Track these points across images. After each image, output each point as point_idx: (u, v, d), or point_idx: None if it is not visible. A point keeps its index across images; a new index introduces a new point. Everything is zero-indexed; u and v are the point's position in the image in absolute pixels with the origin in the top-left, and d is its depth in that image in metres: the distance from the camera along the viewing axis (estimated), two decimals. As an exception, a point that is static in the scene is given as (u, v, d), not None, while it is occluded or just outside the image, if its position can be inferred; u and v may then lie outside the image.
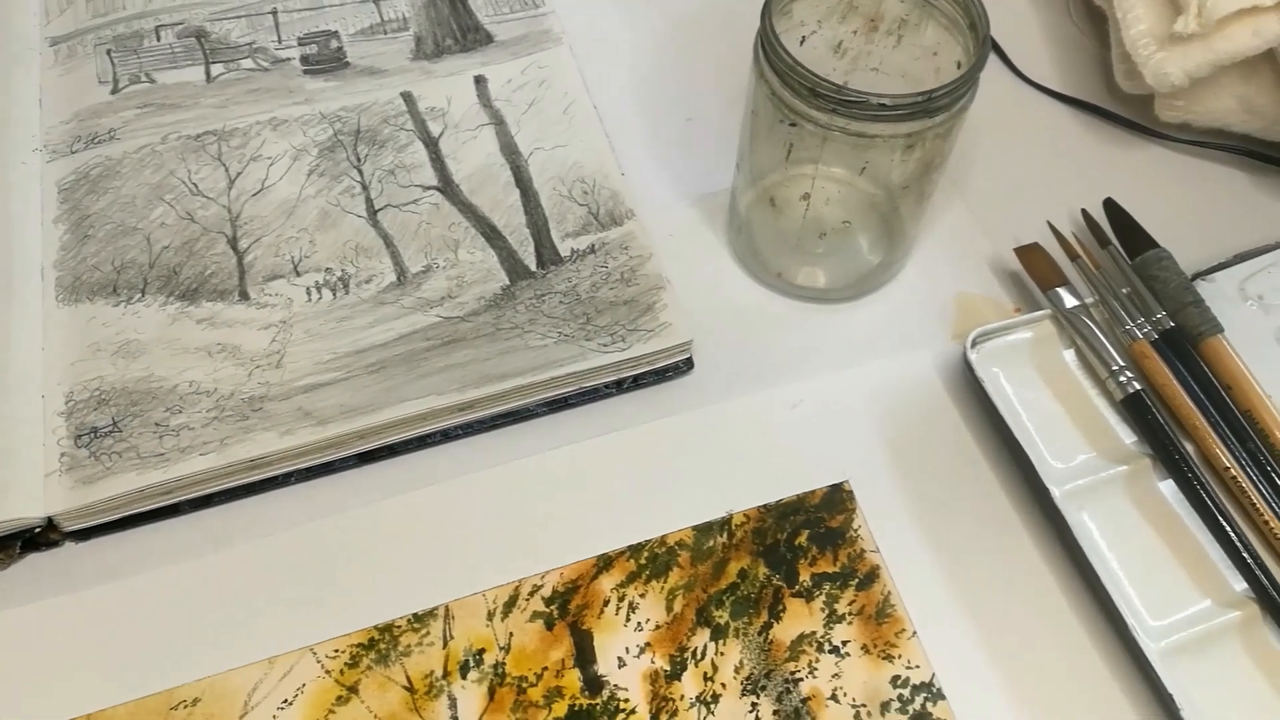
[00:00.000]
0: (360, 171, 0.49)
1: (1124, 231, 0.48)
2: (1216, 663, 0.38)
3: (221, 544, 0.41)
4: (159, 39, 0.53)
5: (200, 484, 0.40)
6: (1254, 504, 0.41)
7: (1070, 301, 0.45)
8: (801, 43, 0.43)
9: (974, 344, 0.44)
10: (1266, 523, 0.41)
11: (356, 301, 0.45)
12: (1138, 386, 0.43)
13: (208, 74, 0.52)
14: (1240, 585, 0.40)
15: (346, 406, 0.41)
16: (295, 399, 0.42)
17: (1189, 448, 0.43)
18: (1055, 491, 0.41)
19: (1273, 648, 0.39)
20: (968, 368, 0.43)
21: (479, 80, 0.52)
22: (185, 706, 0.37)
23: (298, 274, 0.45)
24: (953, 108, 0.38)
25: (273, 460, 0.41)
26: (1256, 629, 0.39)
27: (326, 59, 0.53)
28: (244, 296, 0.45)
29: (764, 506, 0.42)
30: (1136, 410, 0.43)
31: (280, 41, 0.54)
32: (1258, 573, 0.40)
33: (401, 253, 0.46)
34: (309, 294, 0.45)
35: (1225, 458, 0.42)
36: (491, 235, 0.47)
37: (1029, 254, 0.47)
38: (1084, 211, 0.49)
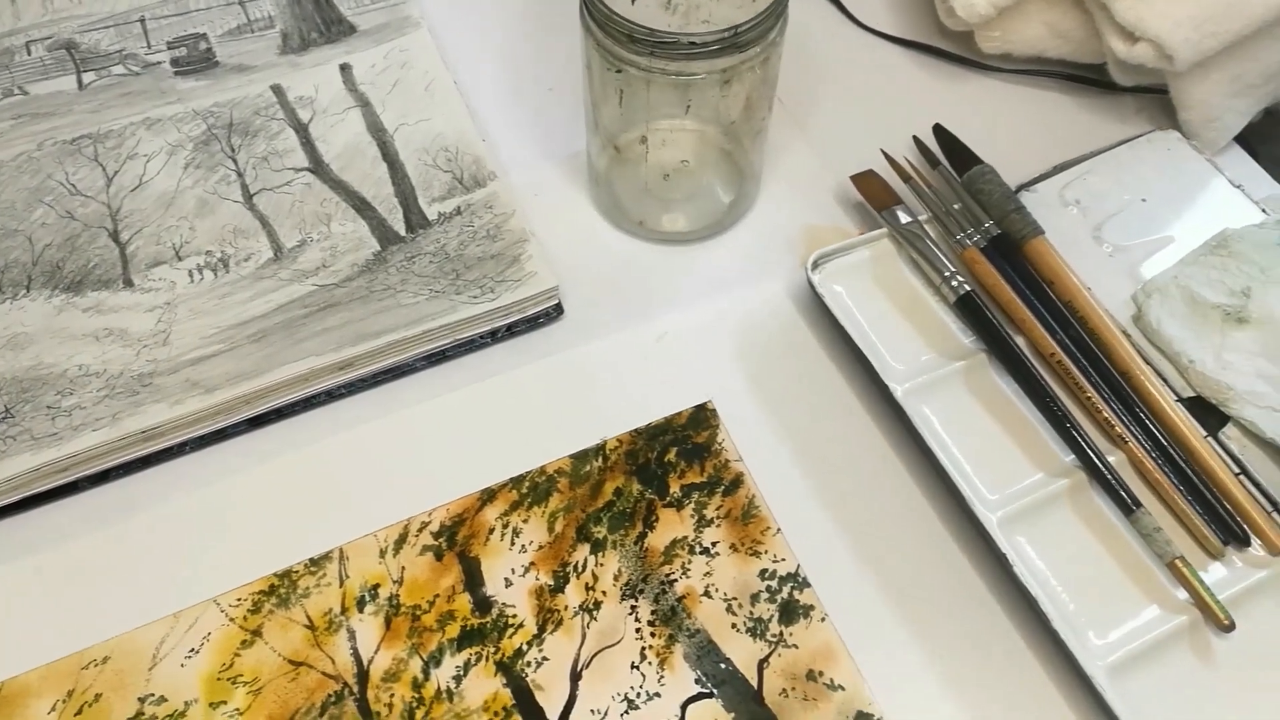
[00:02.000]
0: (235, 161, 0.51)
1: (952, 153, 0.52)
2: (1048, 526, 0.42)
3: (123, 514, 0.43)
4: (29, 54, 0.55)
5: (96, 459, 0.42)
6: (1077, 383, 0.45)
7: (904, 219, 0.49)
8: (633, 2, 0.46)
9: (815, 266, 0.48)
10: (1089, 398, 0.45)
11: (236, 279, 0.47)
12: (968, 288, 0.47)
13: (79, 82, 0.54)
14: (1068, 457, 0.44)
15: (232, 374, 0.44)
16: (183, 372, 0.44)
17: (1019, 340, 0.47)
18: (897, 389, 0.44)
19: (1098, 508, 0.43)
20: (811, 288, 0.47)
21: (344, 68, 0.55)
22: (95, 665, 0.39)
23: (179, 259, 0.48)
24: (761, 42, 0.41)
25: (165, 430, 0.43)
26: (1083, 493, 0.43)
27: (196, 60, 0.55)
28: (128, 284, 0.47)
29: (635, 431, 0.45)
30: (968, 310, 0.47)
31: (150, 47, 0.56)
32: (1083, 444, 0.43)
33: (277, 231, 0.49)
34: (191, 276, 0.47)
35: (1050, 344, 0.46)
36: (362, 207, 0.50)
37: (864, 180, 0.51)
38: (916, 138, 0.53)
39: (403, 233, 0.49)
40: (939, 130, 0.53)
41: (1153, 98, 0.56)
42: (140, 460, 0.44)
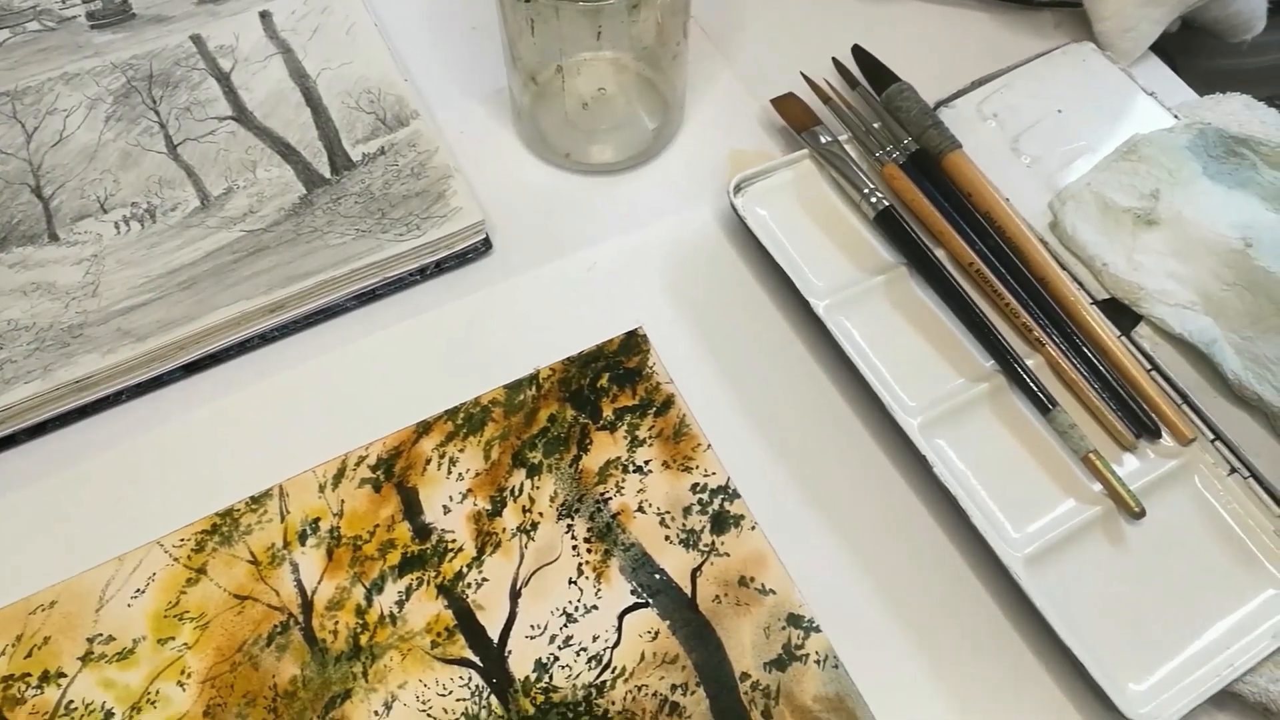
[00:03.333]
0: (157, 112, 0.51)
1: (871, 73, 0.53)
2: (969, 429, 0.44)
3: (62, 464, 0.43)
4: (-58, 13, 0.54)
5: (31, 411, 0.43)
6: (996, 290, 0.46)
7: (824, 139, 0.50)
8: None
9: (737, 189, 0.48)
10: (1008, 304, 0.46)
11: (164, 228, 0.47)
12: (887, 203, 0.48)
13: (-6, 40, 0.53)
14: (988, 363, 0.45)
15: (163, 321, 0.44)
16: (113, 321, 0.44)
17: (939, 252, 0.48)
18: (819, 305, 0.45)
19: (1016, 410, 0.44)
20: (735, 212, 0.48)
21: (264, 15, 0.55)
22: (42, 610, 0.40)
23: (105, 211, 0.48)
24: (666, -35, 0.42)
25: (99, 380, 0.43)
26: (1002, 396, 0.44)
27: (112, 13, 0.55)
28: (54, 238, 0.47)
29: (567, 359, 0.46)
30: (888, 224, 0.48)
31: (64, 2, 0.55)
32: (1002, 348, 0.45)
33: (203, 179, 0.49)
34: (117, 228, 0.47)
35: (969, 254, 0.47)
36: (287, 152, 0.50)
37: (783, 103, 0.51)
38: (835, 60, 0.54)
39: (328, 175, 0.49)
40: (858, 51, 0.53)
41: (1070, 12, 0.57)
42: (77, 411, 0.44)
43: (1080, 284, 0.47)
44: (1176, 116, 0.52)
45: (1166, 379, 0.44)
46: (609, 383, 0.46)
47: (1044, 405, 0.43)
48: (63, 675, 0.39)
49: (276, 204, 0.48)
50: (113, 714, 0.38)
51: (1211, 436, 0.43)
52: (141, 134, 0.50)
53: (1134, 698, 0.38)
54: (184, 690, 0.39)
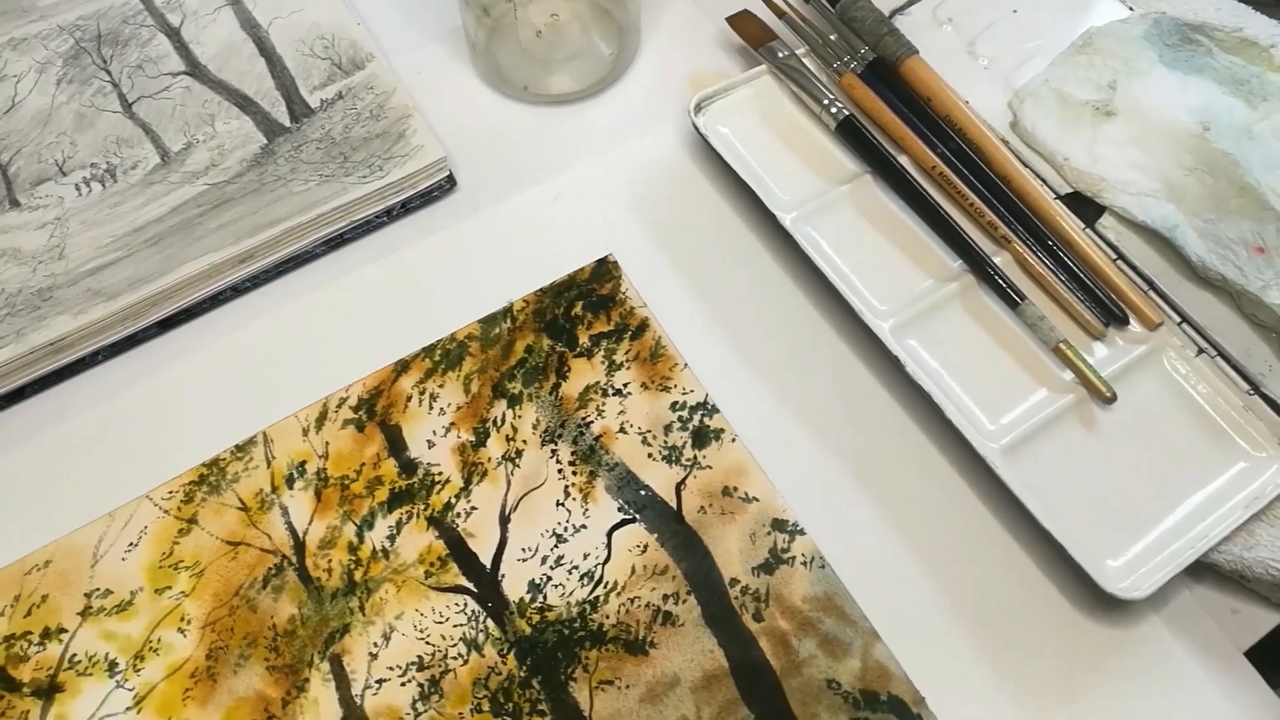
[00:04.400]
0: (108, 72, 0.51)
1: (825, -16, 0.52)
2: (939, 328, 0.44)
3: (44, 427, 0.43)
4: (-120, -14, 0.53)
5: (7, 376, 0.43)
6: (960, 192, 0.47)
7: (782, 54, 0.50)
8: None
9: (698, 109, 0.48)
10: (972, 204, 0.46)
11: (126, 187, 0.47)
12: (847, 113, 0.48)
13: (-63, 10, 0.53)
14: (956, 263, 0.46)
15: (132, 279, 0.44)
16: (83, 282, 0.44)
17: (901, 159, 0.48)
18: (785, 218, 0.46)
19: (985, 306, 0.45)
20: (697, 131, 0.48)
21: (209, -33, 0.54)
22: (38, 570, 0.41)
23: (64, 174, 0.47)
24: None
25: (73, 340, 0.43)
26: (971, 294, 0.45)
27: (55, -25, 0.54)
28: (14, 204, 0.47)
29: (540, 290, 0.47)
30: (849, 133, 0.48)
31: (5, -33, 0.54)
32: (968, 246, 0.45)
33: (161, 136, 0.48)
34: (78, 189, 0.47)
35: (931, 158, 0.47)
36: (244, 103, 0.49)
37: (739, 20, 0.51)
38: (788, -26, 0.53)
39: (287, 124, 0.49)
40: (810, -36, 0.53)
41: (1020, -89, 0.57)
42: (55, 374, 0.44)
43: (1043, 180, 0.47)
44: (1131, 9, 0.52)
45: (1132, 267, 0.45)
46: (583, 310, 0.46)
47: (1012, 300, 0.44)
48: (64, 631, 0.39)
49: (238, 155, 0.48)
50: (117, 664, 0.39)
51: (1178, 319, 0.44)
52: (95, 95, 0.50)
53: (1112, 573, 0.38)
54: (185, 636, 0.39)
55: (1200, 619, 0.40)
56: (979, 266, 0.45)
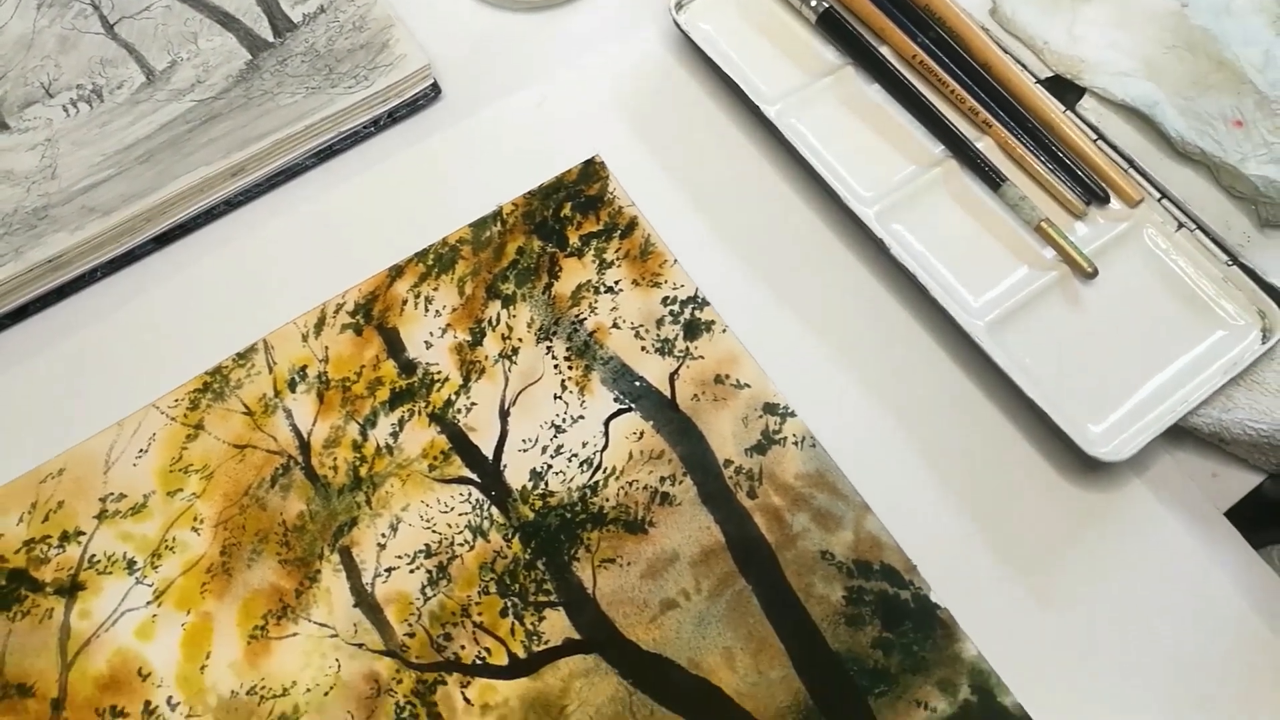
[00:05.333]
0: (89, -5, 0.51)
1: (801, -121, 0.52)
2: (924, 211, 0.45)
3: (49, 343, 0.44)
4: None
5: (9, 295, 0.44)
6: (941, 79, 0.47)
7: (760, -51, 0.50)
8: None
9: (679, 7, 0.49)
10: (953, 91, 0.47)
11: (113, 107, 0.47)
12: (828, 4, 0.48)
13: (-88, -61, 0.52)
14: (938, 148, 0.46)
15: (126, 195, 0.45)
16: (77, 200, 0.45)
17: (883, 50, 0.48)
18: (770, 110, 0.46)
19: (968, 188, 0.45)
20: (679, 29, 0.48)
21: (183, -115, 0.54)
22: (52, 478, 0.42)
23: (51, 96, 0.48)
24: None
25: (71, 257, 0.44)
26: (954, 178, 0.46)
27: (29, -100, 0.54)
28: (4, 127, 0.47)
29: (528, 193, 0.47)
30: (831, 26, 0.48)
31: (-22, -106, 0.54)
32: (949, 130, 0.46)
33: (145, 55, 0.49)
34: (66, 110, 0.47)
35: (912, 47, 0.48)
36: (226, 20, 0.49)
37: (717, -84, 0.51)
38: None
39: (271, 39, 0.49)
40: None
41: None
42: (56, 291, 0.45)
43: (1023, 65, 0.47)
44: (1109, -109, 0.52)
45: (1112, 146, 0.45)
46: (572, 211, 0.47)
47: (994, 181, 0.45)
48: (81, 533, 0.41)
49: (223, 72, 0.48)
50: (135, 562, 0.40)
51: (1158, 195, 0.44)
52: (75, 18, 0.50)
53: (1095, 438, 0.40)
54: (199, 535, 0.41)
55: (1182, 482, 0.41)
56: (961, 151, 0.45)
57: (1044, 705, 0.38)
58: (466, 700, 0.38)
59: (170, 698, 0.38)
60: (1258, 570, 0.40)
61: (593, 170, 0.48)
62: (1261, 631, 0.39)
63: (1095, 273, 0.43)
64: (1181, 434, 0.41)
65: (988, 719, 0.37)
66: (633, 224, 0.46)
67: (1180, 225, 0.44)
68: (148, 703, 0.38)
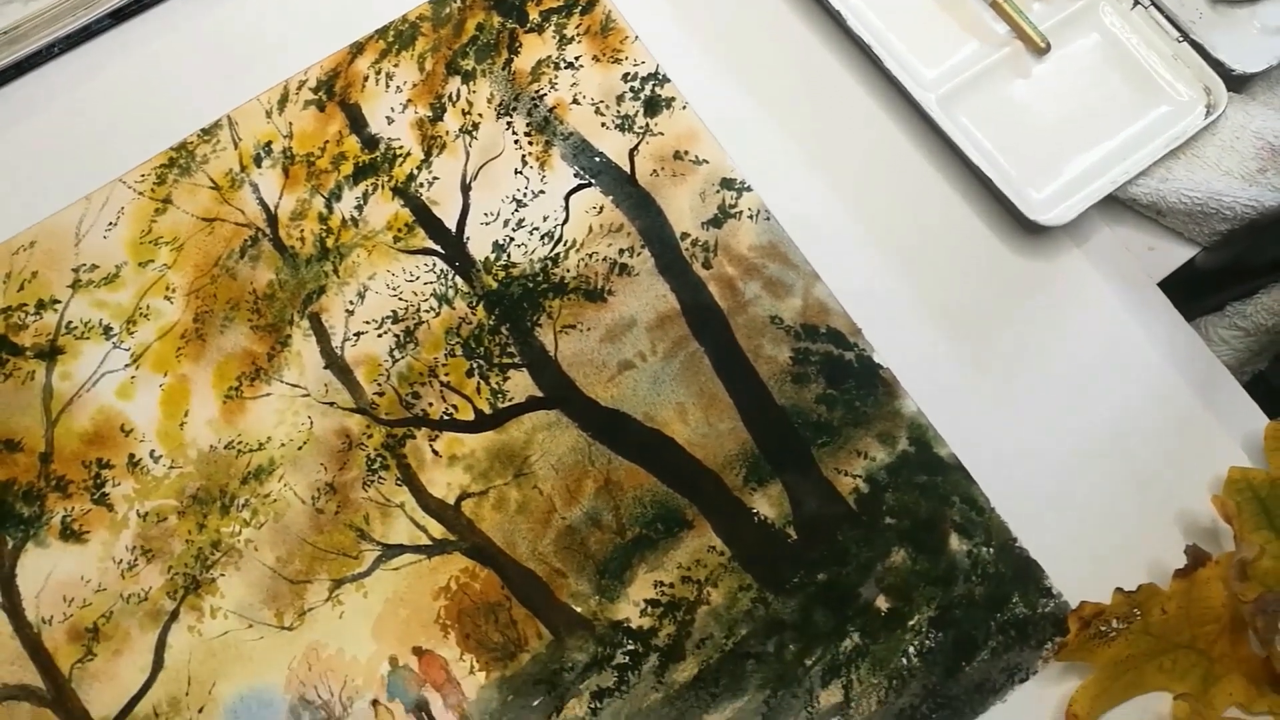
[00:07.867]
0: None
1: None
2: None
3: (10, 121, 0.44)
4: None
5: (-33, 68, 0.43)
6: None
7: None
8: None
9: None
10: None
11: (58, -125, 0.46)
12: None
13: None
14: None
15: (77, -34, 0.44)
16: (27, -28, 0.44)
17: None
18: (732, -118, 0.45)
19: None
20: None
21: None
22: (24, 250, 0.43)
23: None
24: None
25: (26, 30, 0.44)
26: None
27: None
28: (-54, -105, 0.46)
29: (488, -31, 0.47)
30: None
31: None
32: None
33: None
34: (9, -121, 0.46)
35: None
36: None
37: None
38: None
39: None
40: None
41: None
42: (14, 67, 0.45)
43: None
44: None
45: (1074, -78, 0.45)
46: (532, -12, 0.46)
47: (955, -43, 0.44)
48: (56, 302, 0.42)
49: None
50: (111, 328, 0.42)
51: (1117, -27, 0.44)
52: None
53: (1036, 204, 0.41)
54: (172, 303, 0.42)
55: (1118, 253, 0.43)
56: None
57: (977, 459, 0.40)
58: (435, 452, 0.40)
59: (153, 451, 0.40)
60: (1188, 340, 0.42)
61: (553, -53, 0.47)
62: (1189, 398, 0.41)
63: (1048, 48, 0.43)
64: (1121, 209, 0.43)
65: (924, 467, 0.40)
66: (594, 1, 0.46)
67: (1136, 3, 0.44)
68: (132, 455, 0.40)
